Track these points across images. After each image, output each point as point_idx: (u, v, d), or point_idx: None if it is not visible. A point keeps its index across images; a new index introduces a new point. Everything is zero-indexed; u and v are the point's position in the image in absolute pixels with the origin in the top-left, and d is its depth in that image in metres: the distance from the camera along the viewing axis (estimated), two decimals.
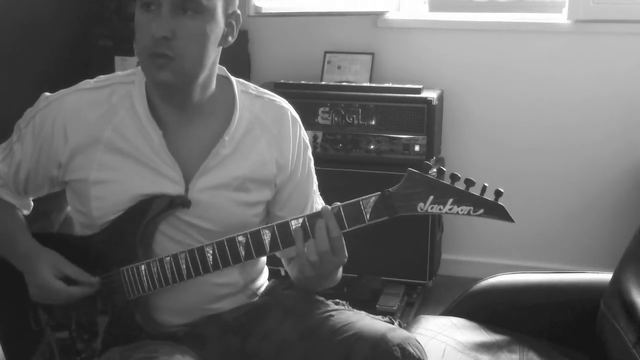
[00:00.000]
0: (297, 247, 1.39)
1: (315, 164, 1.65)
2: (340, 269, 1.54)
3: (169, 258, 1.44)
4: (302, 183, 1.59)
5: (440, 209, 1.34)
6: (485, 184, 1.34)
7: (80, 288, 1.48)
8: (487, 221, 1.36)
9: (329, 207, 1.39)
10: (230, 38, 1.47)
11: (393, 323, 1.49)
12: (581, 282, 1.93)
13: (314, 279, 1.46)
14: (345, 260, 1.42)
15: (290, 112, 1.58)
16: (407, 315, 2.92)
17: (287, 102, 1.60)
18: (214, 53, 1.44)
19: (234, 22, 1.46)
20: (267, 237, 1.40)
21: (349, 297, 1.60)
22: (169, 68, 1.38)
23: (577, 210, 3.25)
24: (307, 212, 1.59)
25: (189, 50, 1.39)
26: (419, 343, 1.42)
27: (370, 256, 3.03)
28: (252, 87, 1.57)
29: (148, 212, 1.46)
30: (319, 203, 1.64)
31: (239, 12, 1.46)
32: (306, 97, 3.03)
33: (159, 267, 1.44)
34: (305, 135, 1.61)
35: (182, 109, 1.48)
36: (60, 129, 1.46)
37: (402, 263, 3.04)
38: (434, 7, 3.43)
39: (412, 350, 1.37)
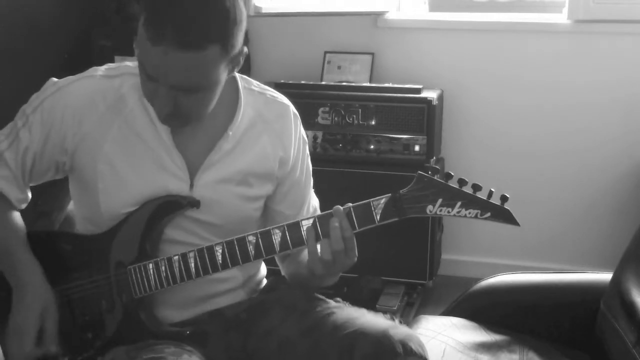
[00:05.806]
0: (309, 246, 1.41)
1: (315, 164, 1.67)
2: None
3: (177, 257, 1.44)
4: (302, 178, 1.62)
5: (448, 212, 1.37)
6: (492, 189, 1.38)
7: (40, 350, 1.42)
8: (487, 221, 1.38)
9: (341, 207, 1.40)
10: (237, 68, 1.44)
11: (394, 320, 1.49)
12: (581, 282, 1.93)
13: (320, 278, 1.48)
14: (356, 259, 1.44)
15: (292, 109, 1.61)
16: (407, 315, 2.91)
17: (287, 99, 1.62)
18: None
19: (240, 58, 1.41)
20: (277, 237, 1.41)
21: (349, 297, 1.60)
22: (183, 124, 1.43)
23: (577, 210, 3.25)
24: (305, 207, 1.62)
25: (197, 112, 1.41)
26: (421, 340, 1.42)
27: (370, 256, 2.99)
28: (254, 83, 1.59)
29: (157, 213, 1.46)
30: (314, 198, 1.67)
31: (245, 49, 1.40)
32: (306, 97, 3.02)
33: (167, 266, 1.44)
34: (304, 132, 1.64)
35: None
36: (69, 115, 1.45)
37: (402, 263, 3.03)
38: (433, 7, 3.43)
39: (414, 347, 1.37)
